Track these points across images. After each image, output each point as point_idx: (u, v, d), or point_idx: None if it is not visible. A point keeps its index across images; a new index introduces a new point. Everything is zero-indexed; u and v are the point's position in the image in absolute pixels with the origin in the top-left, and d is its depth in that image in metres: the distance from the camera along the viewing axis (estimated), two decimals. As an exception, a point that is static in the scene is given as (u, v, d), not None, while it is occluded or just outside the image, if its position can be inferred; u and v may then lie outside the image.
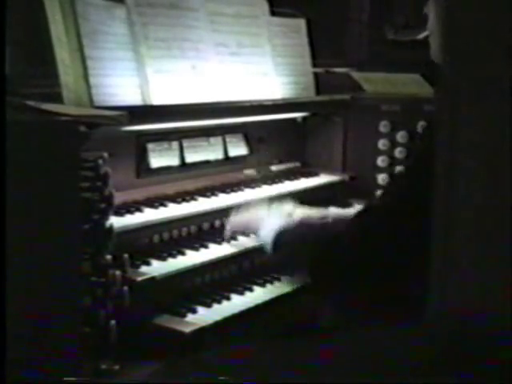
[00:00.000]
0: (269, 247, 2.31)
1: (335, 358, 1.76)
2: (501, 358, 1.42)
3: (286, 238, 2.29)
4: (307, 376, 1.72)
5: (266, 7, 2.94)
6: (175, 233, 2.42)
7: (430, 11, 2.18)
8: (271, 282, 2.51)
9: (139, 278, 2.11)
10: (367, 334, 1.83)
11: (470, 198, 1.37)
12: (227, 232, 2.47)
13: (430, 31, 2.19)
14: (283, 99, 2.96)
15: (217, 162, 2.76)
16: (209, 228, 2.54)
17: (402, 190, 2.10)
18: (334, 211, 2.67)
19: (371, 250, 2.03)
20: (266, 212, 2.46)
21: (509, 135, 1.32)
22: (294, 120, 3.18)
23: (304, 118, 3.19)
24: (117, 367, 1.98)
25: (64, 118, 1.90)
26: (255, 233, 2.41)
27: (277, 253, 2.31)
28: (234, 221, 2.46)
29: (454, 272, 1.40)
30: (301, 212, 2.48)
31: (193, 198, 2.55)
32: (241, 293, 2.39)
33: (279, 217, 2.39)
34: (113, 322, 1.97)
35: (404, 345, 1.68)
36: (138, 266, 2.20)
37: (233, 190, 2.70)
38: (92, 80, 2.23)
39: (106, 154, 1.98)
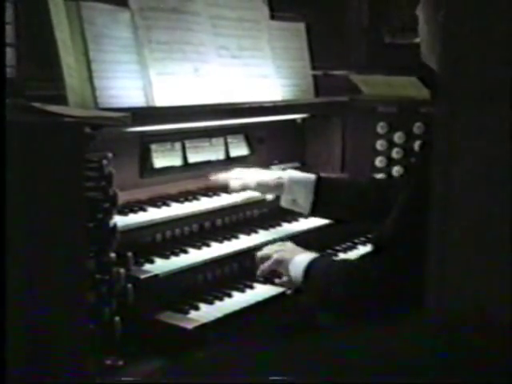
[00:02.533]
0: (300, 277, 2.33)
1: (335, 357, 1.77)
2: (500, 357, 1.43)
3: (318, 267, 2.32)
4: (307, 375, 1.73)
5: (266, 11, 2.97)
6: (178, 231, 2.44)
7: (420, 14, 2.21)
8: (271, 280, 2.52)
9: (143, 276, 2.14)
10: (367, 333, 1.84)
11: (469, 198, 1.37)
12: (260, 273, 2.47)
13: (420, 33, 2.22)
14: (283, 101, 2.98)
15: (218, 163, 2.78)
16: (210, 227, 2.56)
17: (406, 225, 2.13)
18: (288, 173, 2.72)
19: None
20: (290, 248, 2.50)
21: (509, 140, 1.33)
22: (293, 121, 3.20)
23: (303, 120, 3.21)
24: (121, 363, 1.99)
25: (69, 120, 1.92)
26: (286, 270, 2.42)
27: (307, 283, 2.33)
28: (265, 264, 2.46)
29: (452, 271, 1.40)
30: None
31: (195, 198, 2.58)
32: (242, 290, 2.41)
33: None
34: (117, 318, 1.99)
35: (404, 344, 1.68)
36: (141, 264, 2.22)
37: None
38: (96, 82, 2.26)
39: (110, 155, 2.00)
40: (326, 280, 2.28)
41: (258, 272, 2.46)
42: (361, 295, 2.17)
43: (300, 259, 2.36)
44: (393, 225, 2.19)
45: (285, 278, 2.44)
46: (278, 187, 2.67)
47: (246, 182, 2.65)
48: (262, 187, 2.67)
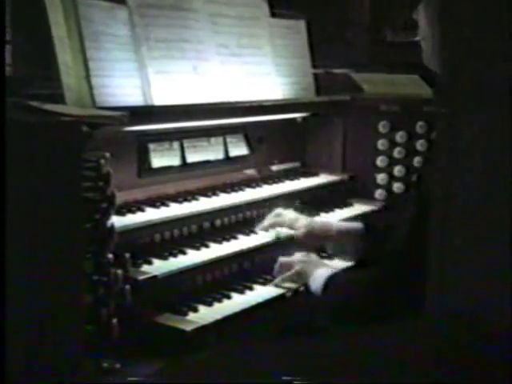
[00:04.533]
0: (319, 290, 2.37)
1: (334, 357, 1.76)
2: (500, 356, 1.42)
3: (336, 281, 2.37)
4: (307, 376, 1.72)
5: (266, 9, 2.96)
6: (176, 232, 2.42)
7: (420, 17, 2.19)
8: (272, 281, 2.51)
9: (141, 277, 2.12)
10: (367, 333, 1.83)
11: (469, 197, 1.37)
12: (278, 281, 2.50)
13: (422, 37, 2.20)
14: (283, 100, 2.97)
15: (217, 162, 2.77)
16: (209, 227, 2.54)
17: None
18: (337, 224, 2.73)
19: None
20: (313, 260, 2.54)
21: (508, 138, 1.33)
22: (294, 120, 3.19)
23: (304, 119, 3.20)
24: (118, 365, 1.98)
25: (66, 119, 1.91)
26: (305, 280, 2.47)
27: (326, 295, 2.36)
28: (286, 274, 2.50)
29: (452, 272, 1.40)
30: (303, 223, 2.62)
31: (194, 198, 2.56)
32: (241, 291, 2.40)
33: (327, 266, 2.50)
34: (115, 320, 1.97)
35: (404, 344, 1.68)
36: (139, 265, 2.20)
37: (233, 190, 2.71)
38: (94, 81, 2.24)
39: (107, 154, 1.99)
40: (344, 295, 2.32)
41: (277, 280, 2.50)
42: (378, 304, 2.20)
43: (321, 273, 2.42)
44: (407, 226, 2.20)
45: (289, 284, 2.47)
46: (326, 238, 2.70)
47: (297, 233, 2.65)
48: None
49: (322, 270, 2.43)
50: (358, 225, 2.71)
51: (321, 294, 2.37)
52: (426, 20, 2.16)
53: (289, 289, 2.47)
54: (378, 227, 2.69)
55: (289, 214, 2.70)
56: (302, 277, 2.47)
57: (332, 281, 2.36)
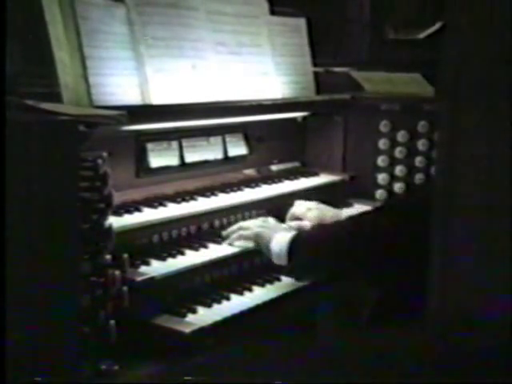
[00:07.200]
0: (284, 258, 2.37)
1: (335, 357, 1.76)
2: (500, 358, 1.42)
3: (301, 245, 2.36)
4: (307, 375, 1.72)
5: (265, 6, 2.95)
6: (175, 233, 2.41)
7: None
8: (271, 282, 2.50)
9: (139, 278, 2.11)
10: (368, 334, 1.83)
11: (470, 198, 1.37)
12: (234, 238, 2.48)
13: None
14: (283, 99, 2.96)
15: (216, 162, 2.76)
16: (208, 228, 2.54)
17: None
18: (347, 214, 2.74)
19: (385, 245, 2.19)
20: (272, 224, 2.54)
21: (509, 140, 1.32)
22: (294, 120, 3.17)
23: (304, 118, 3.19)
24: (116, 367, 1.97)
25: (63, 118, 1.90)
26: (263, 246, 2.45)
27: (293, 261, 2.36)
28: (243, 233, 2.48)
29: (453, 273, 1.40)
30: (316, 213, 2.64)
31: (192, 198, 2.55)
32: (240, 293, 2.38)
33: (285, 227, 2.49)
34: (112, 322, 1.96)
35: (404, 345, 1.68)
36: (137, 266, 2.19)
37: (232, 190, 2.70)
38: (91, 79, 2.23)
39: (105, 154, 1.98)
40: (314, 249, 2.34)
41: (231, 238, 2.47)
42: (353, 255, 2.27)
43: (282, 235, 2.40)
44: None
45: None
46: None
47: (302, 225, 2.66)
48: None
49: (283, 233, 2.42)
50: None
51: (285, 255, 2.36)
52: None
53: (241, 247, 2.45)
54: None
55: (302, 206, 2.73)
56: (261, 240, 2.44)
57: (297, 240, 2.35)
